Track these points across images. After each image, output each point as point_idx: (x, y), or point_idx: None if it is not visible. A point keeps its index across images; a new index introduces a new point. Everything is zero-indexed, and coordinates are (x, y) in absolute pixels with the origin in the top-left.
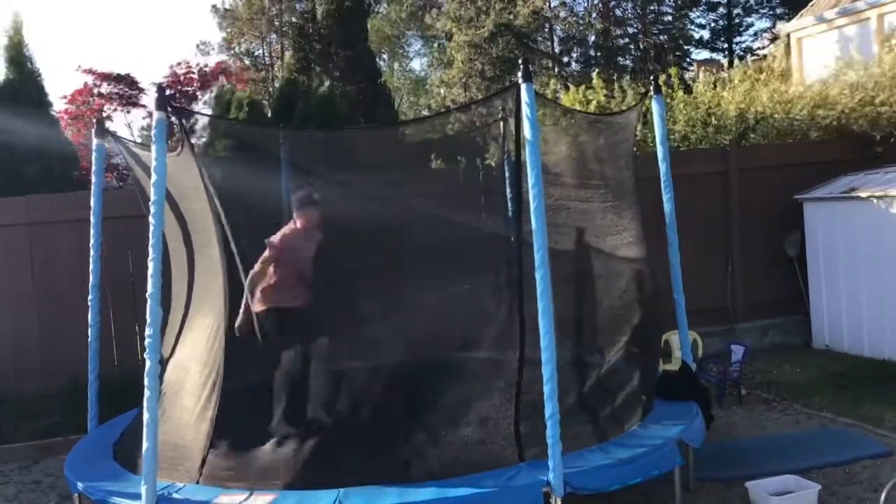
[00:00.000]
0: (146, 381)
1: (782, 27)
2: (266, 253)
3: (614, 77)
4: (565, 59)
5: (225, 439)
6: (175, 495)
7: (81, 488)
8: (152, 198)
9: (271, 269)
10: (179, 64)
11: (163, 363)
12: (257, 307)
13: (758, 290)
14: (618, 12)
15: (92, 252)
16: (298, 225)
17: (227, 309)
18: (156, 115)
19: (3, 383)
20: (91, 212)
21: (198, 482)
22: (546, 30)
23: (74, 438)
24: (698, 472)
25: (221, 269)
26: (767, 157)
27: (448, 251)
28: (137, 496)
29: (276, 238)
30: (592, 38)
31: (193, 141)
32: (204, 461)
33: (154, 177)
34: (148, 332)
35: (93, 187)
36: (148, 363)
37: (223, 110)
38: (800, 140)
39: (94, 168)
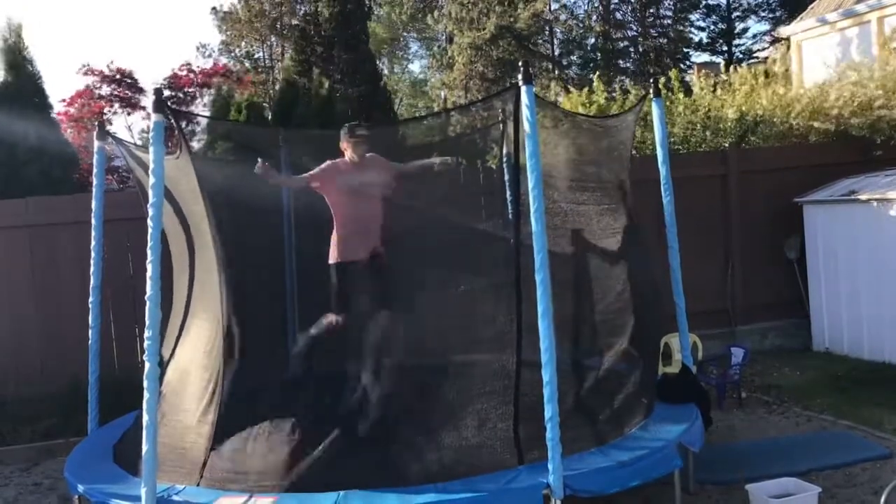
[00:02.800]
0: (145, 384)
1: (782, 30)
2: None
3: (616, 79)
4: (565, 62)
5: (225, 442)
6: (175, 497)
7: (81, 490)
8: (150, 200)
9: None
10: (182, 68)
11: (163, 365)
12: (329, 261)
13: (758, 292)
14: (618, 15)
15: (93, 254)
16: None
17: (225, 311)
18: (153, 117)
19: (3, 385)
20: (92, 214)
21: (198, 484)
22: (546, 32)
23: (74, 440)
24: (698, 475)
25: (218, 273)
26: (768, 159)
27: (447, 253)
28: (137, 498)
29: (316, 170)
30: (592, 40)
31: (193, 143)
32: (204, 463)
33: (152, 179)
34: (147, 334)
35: (94, 189)
36: (147, 365)
37: (223, 113)
38: (800, 143)
39: (94, 170)
